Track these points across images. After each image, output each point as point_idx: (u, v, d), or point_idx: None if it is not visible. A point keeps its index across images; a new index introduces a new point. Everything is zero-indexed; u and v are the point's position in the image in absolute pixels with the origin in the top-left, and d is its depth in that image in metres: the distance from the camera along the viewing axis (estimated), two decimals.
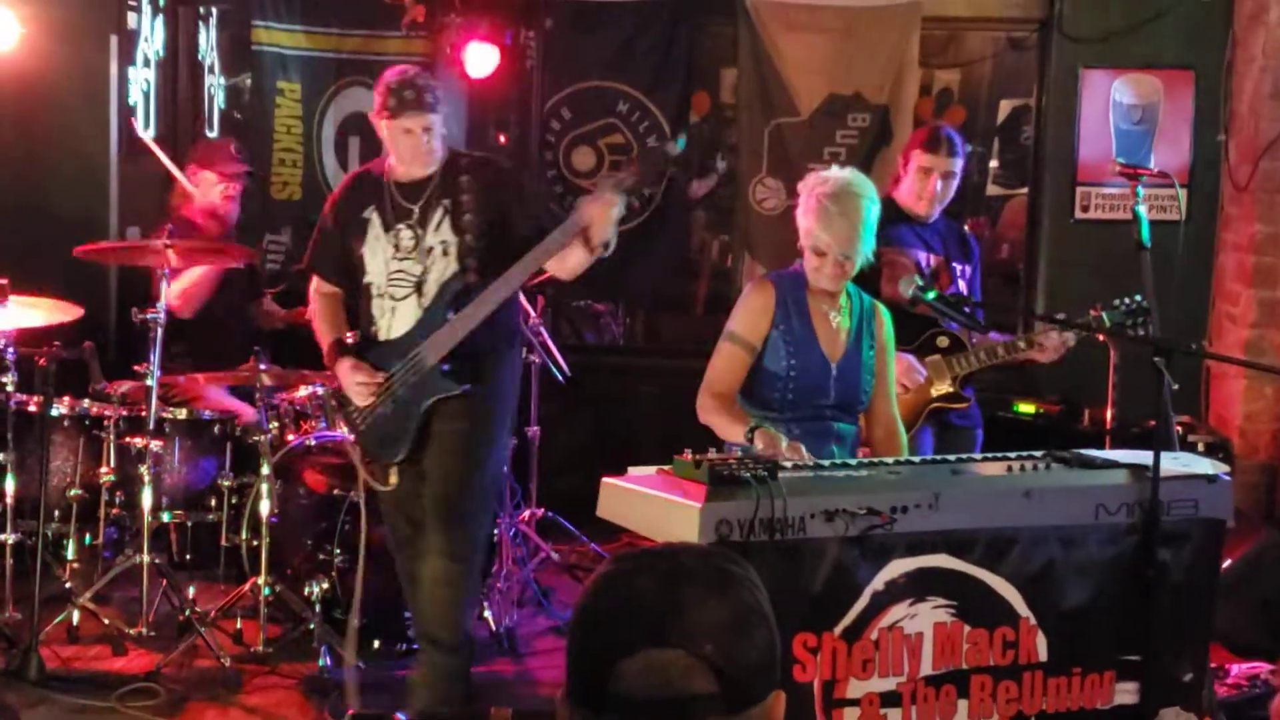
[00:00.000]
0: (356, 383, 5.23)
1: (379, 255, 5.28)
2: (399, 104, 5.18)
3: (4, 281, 5.95)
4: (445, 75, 8.45)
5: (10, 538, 6.10)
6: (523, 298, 6.81)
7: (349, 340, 5.35)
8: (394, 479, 5.30)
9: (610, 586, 1.92)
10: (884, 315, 4.97)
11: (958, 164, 5.75)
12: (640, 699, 1.84)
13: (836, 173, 4.80)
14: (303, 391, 6.41)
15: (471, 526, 5.32)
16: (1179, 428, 6.49)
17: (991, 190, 10.62)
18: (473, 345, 5.13)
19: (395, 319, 5.27)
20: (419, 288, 5.23)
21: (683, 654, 1.85)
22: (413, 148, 5.23)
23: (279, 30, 8.18)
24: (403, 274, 5.25)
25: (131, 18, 8.00)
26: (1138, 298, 5.49)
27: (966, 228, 6.12)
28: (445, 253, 5.22)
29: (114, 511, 6.27)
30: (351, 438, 5.37)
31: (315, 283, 5.55)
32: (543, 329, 7.00)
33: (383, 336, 5.29)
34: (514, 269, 5.08)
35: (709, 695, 1.85)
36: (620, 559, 1.97)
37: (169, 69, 8.39)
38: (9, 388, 6.08)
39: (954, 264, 5.79)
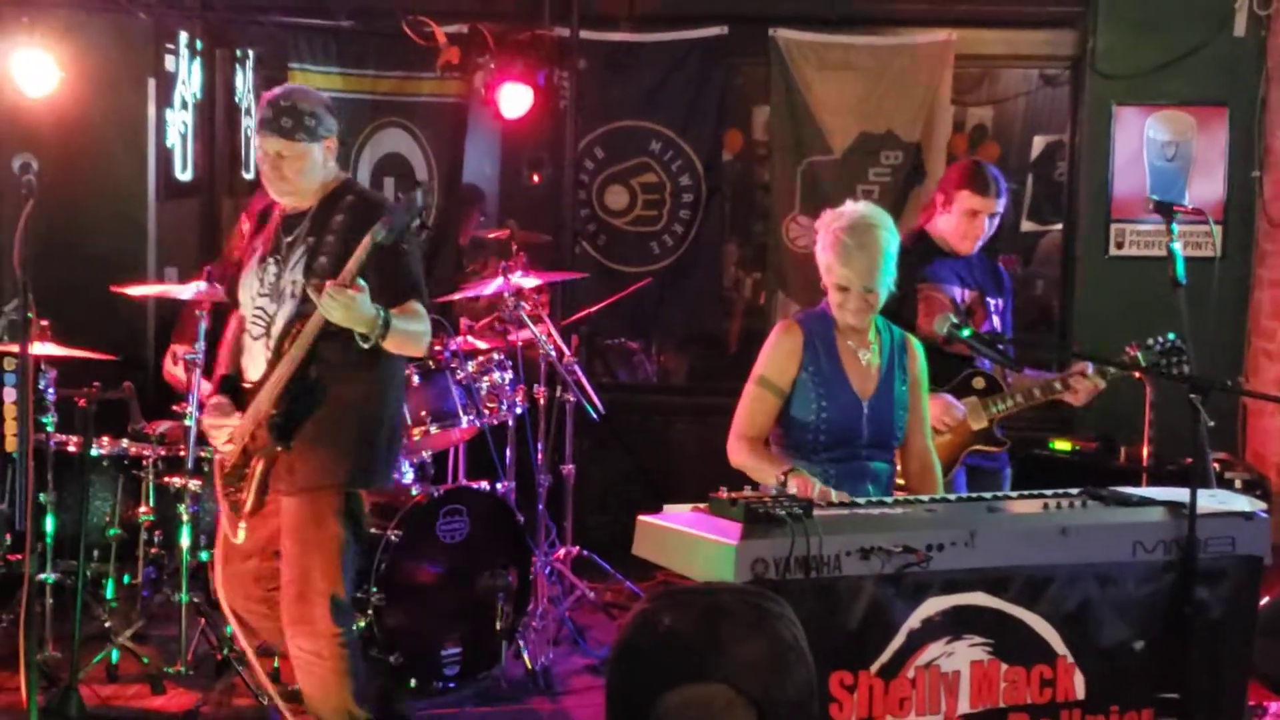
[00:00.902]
0: (208, 423, 4.94)
1: (249, 289, 4.93)
2: (259, 122, 4.84)
3: (44, 323, 6.01)
4: (479, 115, 8.55)
5: (50, 577, 6.14)
6: (557, 336, 6.87)
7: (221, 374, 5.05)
8: (242, 534, 4.95)
9: (650, 624, 1.95)
10: (916, 348, 4.95)
11: (1002, 203, 5.75)
12: None
13: (852, 207, 4.81)
14: None
15: (322, 602, 4.86)
16: (1216, 465, 6.48)
17: (1025, 226, 10.62)
18: (306, 397, 4.77)
19: (252, 360, 4.93)
20: (269, 329, 4.86)
21: (724, 689, 1.88)
22: (265, 173, 4.86)
23: (315, 72, 8.25)
24: (261, 312, 4.89)
25: (169, 61, 8.08)
26: (1171, 336, 5.49)
27: (1001, 262, 6.12)
28: (293, 294, 4.80)
29: (153, 551, 6.32)
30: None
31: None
32: (577, 367, 7.03)
33: (247, 378, 4.95)
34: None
35: None
36: (659, 597, 2.00)
37: (206, 111, 8.47)
38: (49, 428, 6.13)
39: (988, 298, 5.79)
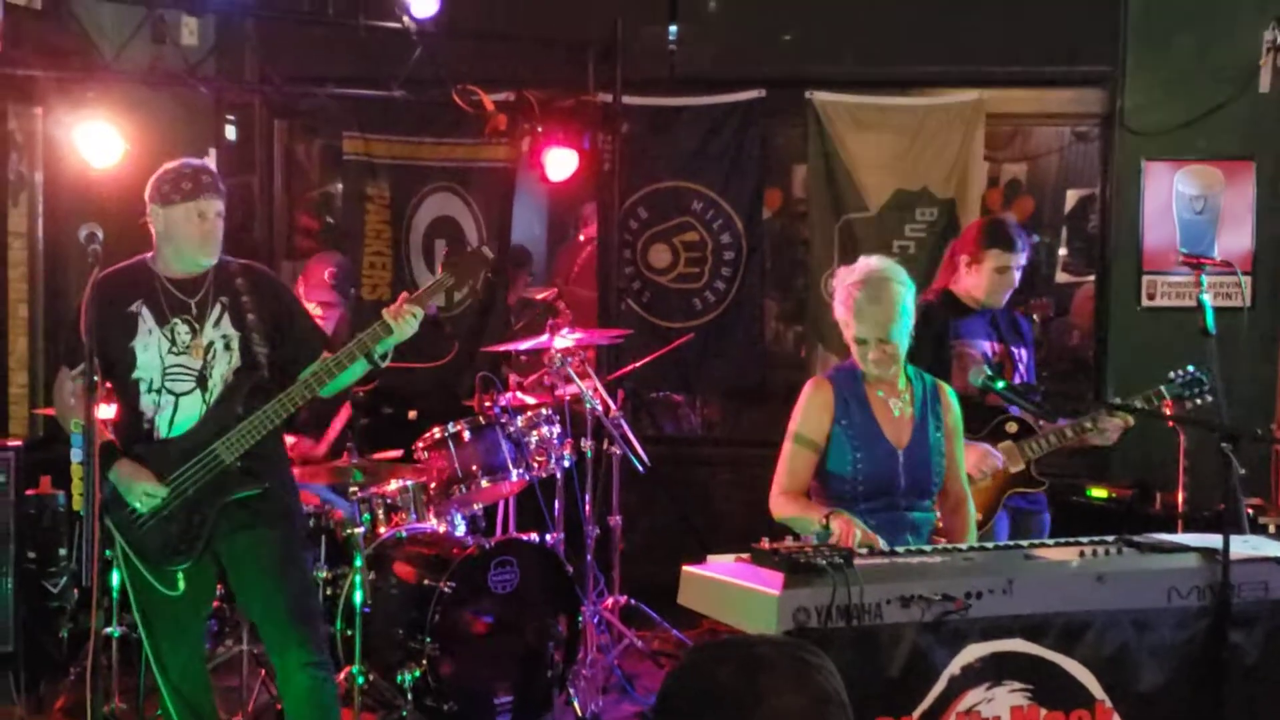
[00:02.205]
0: (145, 491, 4.79)
1: (153, 349, 4.87)
2: (195, 187, 4.88)
3: (110, 386, 6.06)
4: (527, 178, 8.60)
5: (116, 631, 6.17)
6: (603, 391, 6.88)
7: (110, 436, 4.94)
8: (181, 584, 4.87)
9: (692, 676, 1.95)
10: (950, 396, 4.94)
11: (1026, 256, 5.83)
12: None
13: (864, 262, 4.82)
14: (393, 485, 6.48)
15: (321, 626, 5.05)
16: (1250, 510, 6.43)
17: (1060, 278, 10.58)
18: (265, 442, 4.85)
19: (177, 414, 4.87)
20: (202, 382, 4.87)
21: None
22: (205, 233, 4.88)
23: (369, 140, 8.34)
24: (182, 369, 4.86)
25: (229, 131, 8.19)
26: (1190, 368, 5.53)
27: (1018, 312, 6.15)
28: (228, 347, 4.90)
29: (213, 605, 6.34)
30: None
31: (60, 378, 5.06)
32: (622, 420, 7.04)
33: (162, 433, 4.88)
34: (313, 373, 4.85)
35: None
36: (700, 649, 2.00)
37: (265, 179, 8.55)
38: None
39: (1013, 349, 5.83)
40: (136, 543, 4.86)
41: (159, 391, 4.87)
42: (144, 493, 4.78)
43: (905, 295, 4.75)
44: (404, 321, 4.76)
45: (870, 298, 4.70)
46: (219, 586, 5.22)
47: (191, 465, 4.80)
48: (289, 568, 4.93)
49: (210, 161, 5.02)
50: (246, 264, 5.12)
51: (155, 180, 4.97)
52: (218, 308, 4.93)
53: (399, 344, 4.88)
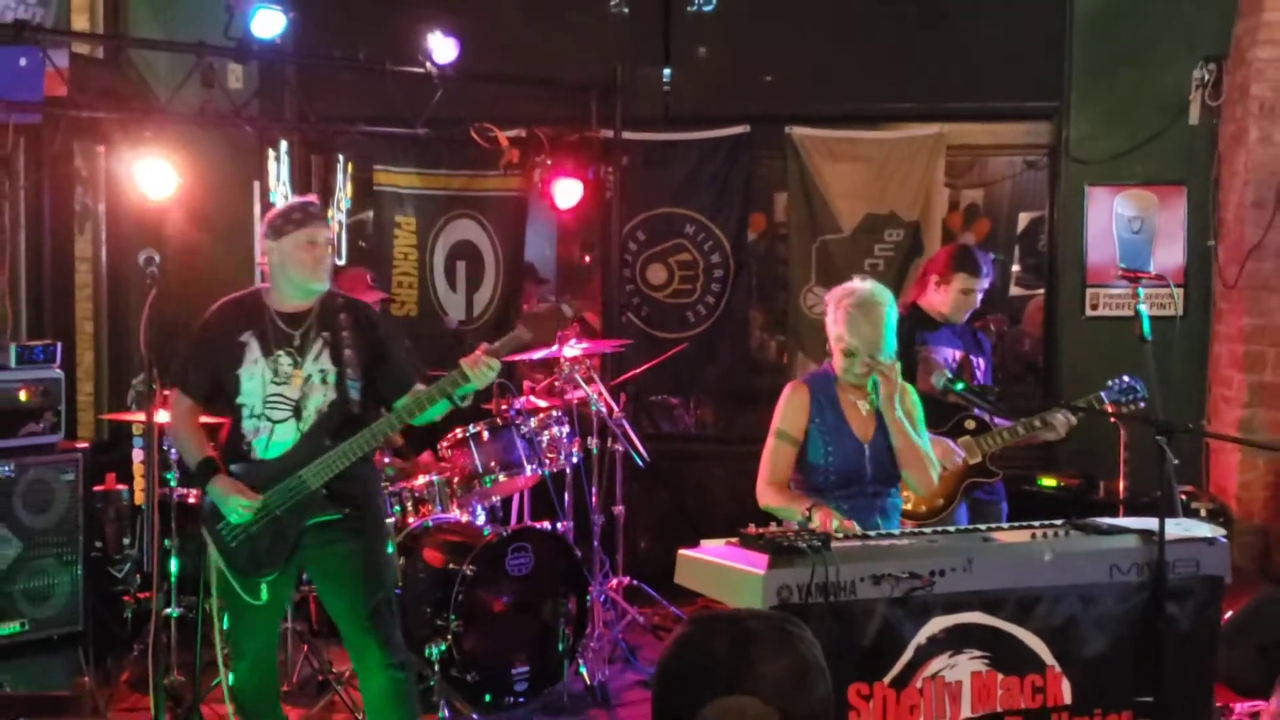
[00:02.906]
0: (239, 505, 4.67)
1: (256, 378, 4.75)
2: (305, 217, 4.81)
3: (167, 394, 6.08)
4: (538, 206, 8.62)
5: (175, 611, 6.19)
6: (607, 395, 6.90)
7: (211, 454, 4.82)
8: (265, 594, 4.77)
9: (688, 647, 1.97)
10: (909, 391, 4.92)
11: (988, 281, 5.89)
12: None
13: (859, 285, 4.83)
14: (420, 480, 6.50)
15: (398, 628, 4.88)
16: (1183, 496, 6.47)
17: (1014, 291, 10.59)
18: (350, 471, 4.74)
19: (272, 439, 4.75)
20: (297, 412, 4.74)
21: (755, 700, 1.89)
22: (316, 259, 4.80)
23: (396, 172, 8.35)
24: (280, 398, 4.74)
25: (272, 166, 8.19)
26: (1125, 378, 5.56)
27: (975, 325, 6.18)
28: (324, 381, 4.77)
29: None
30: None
31: (175, 398, 4.92)
32: (624, 421, 7.06)
33: (258, 455, 4.76)
34: (400, 409, 4.74)
35: None
36: (694, 623, 2.02)
37: None
38: (173, 483, 6.19)
39: (972, 358, 5.86)
40: (227, 553, 4.76)
41: (258, 417, 4.75)
42: (238, 506, 4.67)
43: (892, 317, 4.77)
44: (480, 372, 4.65)
45: (866, 317, 4.71)
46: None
47: (280, 488, 4.71)
48: (370, 577, 4.81)
49: (306, 199, 4.94)
50: (351, 300, 5.00)
51: (268, 219, 4.87)
52: (319, 343, 4.80)
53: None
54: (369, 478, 4.95)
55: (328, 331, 4.82)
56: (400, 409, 4.75)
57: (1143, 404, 5.55)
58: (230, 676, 4.95)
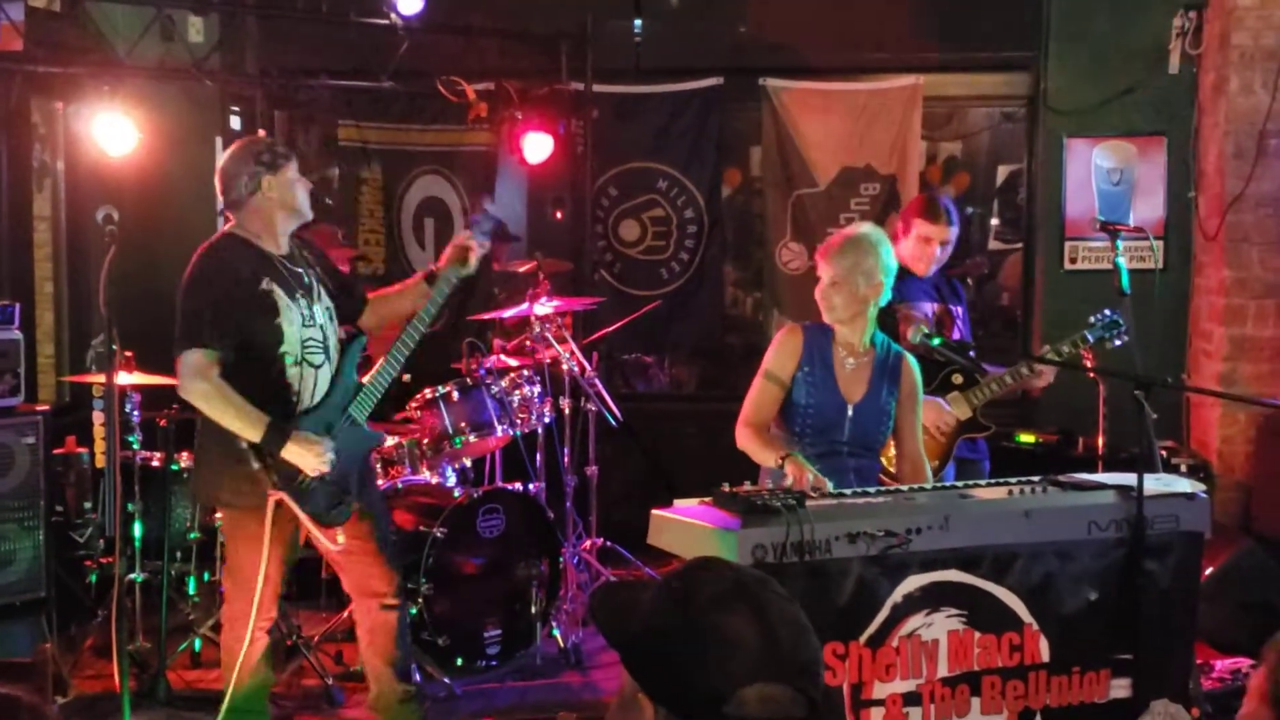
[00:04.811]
0: (319, 457, 4.59)
1: (295, 325, 4.67)
2: (286, 149, 4.80)
3: (128, 355, 6.04)
4: (507, 161, 8.57)
5: (139, 576, 6.17)
6: (579, 353, 6.88)
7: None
8: (341, 538, 4.75)
9: (711, 628, 1.95)
10: (911, 366, 4.87)
11: (954, 232, 5.74)
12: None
13: (855, 226, 4.82)
14: (390, 442, 6.47)
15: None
16: (1163, 452, 6.49)
17: (993, 245, 10.60)
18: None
19: (316, 385, 4.74)
20: (328, 353, 4.78)
21: (789, 689, 1.92)
22: (304, 192, 4.79)
23: (362, 127, 8.30)
24: (314, 341, 4.72)
25: (234, 121, 8.13)
26: (1107, 312, 5.53)
27: (954, 276, 6.15)
28: (331, 318, 4.85)
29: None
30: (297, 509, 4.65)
31: (201, 362, 4.57)
32: (597, 380, 7.04)
33: (304, 405, 4.71)
34: (411, 328, 4.87)
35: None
36: (705, 602, 1.98)
37: None
38: (135, 446, 6.15)
39: (951, 307, 5.81)
40: (309, 500, 4.64)
41: (300, 364, 4.69)
42: (319, 458, 4.58)
43: (885, 255, 4.71)
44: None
45: (852, 248, 4.67)
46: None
47: (339, 430, 4.73)
48: (386, 512, 5.14)
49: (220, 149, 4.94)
50: (298, 236, 4.95)
51: (251, 153, 4.71)
52: (313, 281, 4.82)
53: (403, 315, 5.01)
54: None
55: (311, 269, 4.84)
56: (417, 321, 4.90)
57: (1126, 338, 5.53)
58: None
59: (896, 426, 4.83)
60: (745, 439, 4.72)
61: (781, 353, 4.78)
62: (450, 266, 4.99)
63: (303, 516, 4.63)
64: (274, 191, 4.71)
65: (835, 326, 4.77)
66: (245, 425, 4.54)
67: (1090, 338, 5.52)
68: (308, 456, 4.57)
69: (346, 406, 4.79)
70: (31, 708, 2.12)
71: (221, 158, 4.93)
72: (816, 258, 4.82)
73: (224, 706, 4.77)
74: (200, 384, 4.54)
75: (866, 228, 4.79)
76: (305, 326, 4.72)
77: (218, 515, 6.19)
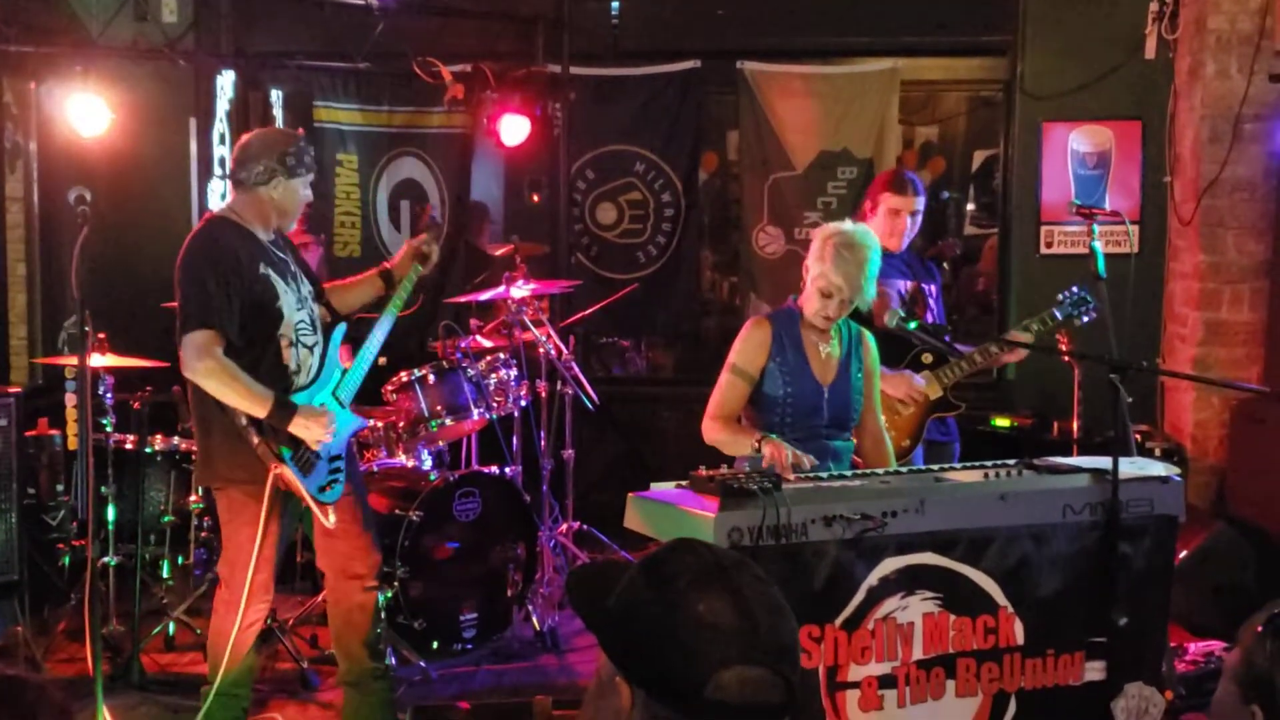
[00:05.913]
0: (326, 428, 4.66)
1: (291, 307, 4.72)
2: (312, 161, 4.85)
3: (101, 336, 6.01)
4: (484, 143, 8.54)
5: (112, 560, 6.15)
6: (556, 337, 6.87)
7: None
8: (333, 517, 4.78)
9: (689, 610, 1.95)
10: (870, 342, 4.93)
11: (920, 202, 5.73)
12: (735, 704, 1.90)
13: (850, 226, 4.76)
14: (365, 425, 6.45)
15: None
16: (1138, 436, 6.51)
17: (969, 230, 10.63)
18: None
19: (310, 365, 4.80)
20: (317, 334, 4.86)
21: (767, 671, 1.92)
22: (301, 206, 4.90)
23: (336, 109, 8.25)
24: (304, 323, 4.79)
25: (219, 106, 8.09)
26: (1075, 288, 5.56)
27: (928, 256, 6.15)
28: (316, 300, 4.93)
29: (203, 535, 6.31)
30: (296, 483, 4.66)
31: (207, 341, 4.54)
32: (573, 363, 7.03)
33: (300, 383, 4.76)
34: (389, 312, 5.01)
35: (782, 704, 1.93)
36: (683, 593, 1.98)
37: None
38: (108, 428, 6.13)
39: (924, 285, 5.81)
40: (310, 471, 4.68)
41: (296, 345, 4.74)
42: (325, 424, 4.65)
43: (875, 263, 4.70)
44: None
45: (854, 258, 4.63)
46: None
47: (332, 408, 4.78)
48: (365, 495, 5.14)
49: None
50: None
51: (279, 149, 4.73)
52: (295, 265, 4.88)
53: (355, 308, 5.19)
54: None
55: (292, 254, 4.91)
56: (396, 301, 5.05)
57: (1095, 314, 5.55)
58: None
59: None
60: (715, 431, 4.71)
61: (749, 347, 4.77)
62: (412, 266, 5.13)
63: (303, 490, 4.65)
64: (279, 193, 4.74)
65: (807, 313, 4.77)
66: (252, 402, 4.56)
67: (1059, 315, 5.55)
68: (314, 428, 4.62)
69: (335, 389, 4.83)
70: (38, 688, 2.11)
71: (254, 132, 5.01)
72: (812, 255, 4.76)
73: (212, 689, 4.74)
74: (207, 362, 4.54)
75: (866, 236, 4.75)
76: (298, 309, 4.77)
77: (194, 498, 6.20)
